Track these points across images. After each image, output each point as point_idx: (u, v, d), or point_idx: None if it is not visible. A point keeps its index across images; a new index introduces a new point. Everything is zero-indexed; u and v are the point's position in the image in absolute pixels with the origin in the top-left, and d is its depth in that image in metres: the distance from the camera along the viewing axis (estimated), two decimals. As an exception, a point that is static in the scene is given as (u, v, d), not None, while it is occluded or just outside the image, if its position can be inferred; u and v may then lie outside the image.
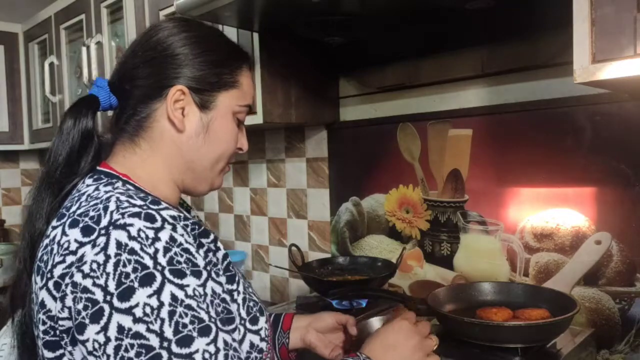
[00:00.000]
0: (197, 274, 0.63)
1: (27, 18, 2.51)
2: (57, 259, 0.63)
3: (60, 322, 0.62)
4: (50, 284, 0.63)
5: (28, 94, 2.60)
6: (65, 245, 0.63)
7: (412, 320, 0.85)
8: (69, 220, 0.66)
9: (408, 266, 1.52)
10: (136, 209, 0.64)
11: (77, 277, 0.60)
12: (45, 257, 0.66)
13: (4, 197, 2.89)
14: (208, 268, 0.66)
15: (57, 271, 0.63)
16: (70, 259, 0.62)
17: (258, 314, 0.76)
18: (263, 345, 0.75)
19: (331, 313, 1.03)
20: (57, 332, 0.63)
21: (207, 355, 0.59)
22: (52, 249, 0.65)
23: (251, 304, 0.76)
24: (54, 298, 0.63)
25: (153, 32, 0.79)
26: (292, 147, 1.85)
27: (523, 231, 1.28)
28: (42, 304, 0.64)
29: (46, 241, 0.68)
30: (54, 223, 0.68)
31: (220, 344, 0.61)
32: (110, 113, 0.85)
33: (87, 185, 0.72)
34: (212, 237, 0.71)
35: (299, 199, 1.84)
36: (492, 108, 1.33)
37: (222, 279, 0.70)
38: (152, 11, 1.72)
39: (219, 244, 0.73)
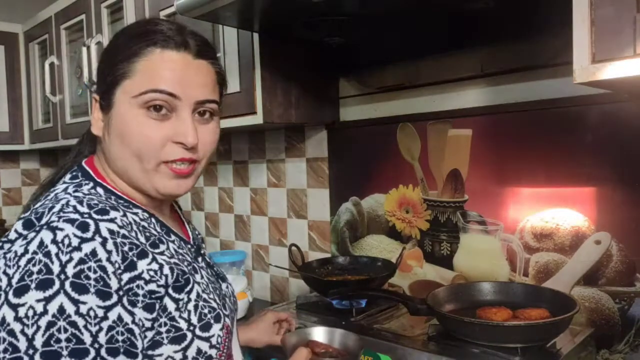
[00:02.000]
0: (102, 295, 0.61)
1: (28, 18, 2.51)
2: None
3: None
4: None
5: (28, 94, 2.60)
6: (8, 234, 0.66)
7: None
8: (28, 214, 0.68)
9: (408, 266, 1.52)
10: (75, 216, 0.64)
11: (1, 262, 0.63)
12: None
13: (4, 197, 2.90)
14: (121, 293, 0.63)
15: None
16: (6, 246, 0.64)
17: (212, 321, 0.74)
18: (213, 352, 0.73)
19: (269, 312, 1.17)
20: None
21: None
22: None
23: (206, 310, 0.74)
24: None
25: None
26: (292, 147, 1.85)
27: (523, 231, 1.29)
28: None
29: None
30: (21, 215, 0.71)
31: None
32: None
33: (63, 182, 0.75)
34: (150, 257, 0.68)
35: (299, 199, 1.84)
36: (492, 108, 1.33)
37: (137, 311, 0.66)
38: (152, 11, 1.73)
39: (162, 260, 0.70)
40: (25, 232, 0.64)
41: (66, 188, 0.73)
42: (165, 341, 0.69)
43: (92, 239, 0.63)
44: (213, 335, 0.74)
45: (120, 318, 0.63)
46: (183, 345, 0.70)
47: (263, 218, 1.99)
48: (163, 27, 0.76)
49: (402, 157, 1.52)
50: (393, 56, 1.51)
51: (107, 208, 0.69)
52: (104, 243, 0.63)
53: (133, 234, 0.69)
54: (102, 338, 0.61)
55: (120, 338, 0.63)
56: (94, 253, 0.62)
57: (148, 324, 0.67)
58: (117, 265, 0.64)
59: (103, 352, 0.61)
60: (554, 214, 1.23)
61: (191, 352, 0.71)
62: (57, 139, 2.39)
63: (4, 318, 0.59)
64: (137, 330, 0.65)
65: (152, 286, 0.68)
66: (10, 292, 0.60)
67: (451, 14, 1.24)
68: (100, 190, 0.75)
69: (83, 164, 0.79)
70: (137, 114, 0.73)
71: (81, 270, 0.61)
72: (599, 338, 1.15)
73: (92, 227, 0.64)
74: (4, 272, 0.61)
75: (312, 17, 1.21)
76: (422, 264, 1.50)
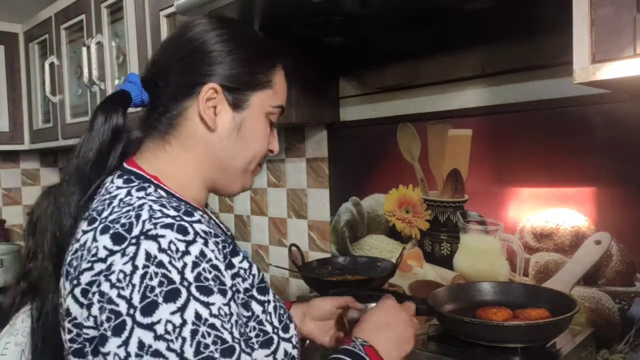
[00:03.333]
0: (223, 293, 0.62)
1: (28, 18, 2.51)
2: (85, 265, 0.62)
3: (85, 330, 0.61)
4: (77, 291, 0.62)
5: (28, 94, 2.60)
6: (94, 252, 0.62)
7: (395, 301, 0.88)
8: (101, 226, 0.64)
9: (408, 266, 1.52)
10: (169, 220, 0.62)
11: (105, 287, 0.59)
12: (74, 263, 0.65)
13: (4, 197, 2.89)
14: (234, 289, 0.65)
15: (85, 278, 0.61)
16: (99, 266, 0.61)
17: (288, 322, 0.74)
18: (295, 352, 0.73)
19: (327, 298, 1.01)
20: (82, 339, 0.62)
21: None
22: (81, 255, 0.64)
23: (282, 311, 0.74)
24: (81, 305, 0.62)
25: (187, 29, 0.78)
26: (292, 147, 1.85)
27: (523, 231, 1.29)
28: (68, 312, 0.63)
29: (76, 245, 0.66)
30: (85, 227, 0.67)
31: None
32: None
33: (118, 188, 0.70)
34: (241, 255, 0.70)
35: (299, 199, 1.84)
36: (492, 108, 1.33)
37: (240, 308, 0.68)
38: (152, 11, 1.73)
39: (250, 260, 0.71)
40: (118, 247, 0.60)
41: (129, 191, 0.69)
42: (256, 346, 0.69)
43: (194, 240, 0.62)
44: (292, 336, 0.74)
45: (238, 313, 0.64)
46: (272, 349, 0.70)
47: (263, 218, 1.99)
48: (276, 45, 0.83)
49: (402, 157, 1.52)
50: (393, 56, 1.51)
51: (189, 209, 0.67)
52: (206, 243, 0.62)
53: (217, 232, 0.69)
54: (237, 333, 0.62)
55: (242, 331, 0.64)
56: (202, 254, 0.61)
57: (265, 297, 0.70)
58: (222, 262, 0.64)
59: (243, 346, 0.62)
60: (554, 214, 1.23)
61: (280, 355, 0.71)
62: (57, 139, 2.38)
63: (141, 342, 0.57)
64: (248, 321, 0.68)
65: (246, 284, 0.69)
66: (137, 314, 0.57)
67: (451, 14, 1.24)
68: (161, 192, 0.71)
69: (127, 166, 0.75)
70: (264, 121, 0.79)
71: (199, 273, 0.60)
72: (599, 338, 1.15)
73: (190, 229, 0.62)
74: (119, 296, 0.58)
75: (312, 17, 1.21)
76: (422, 264, 1.50)
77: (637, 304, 1.12)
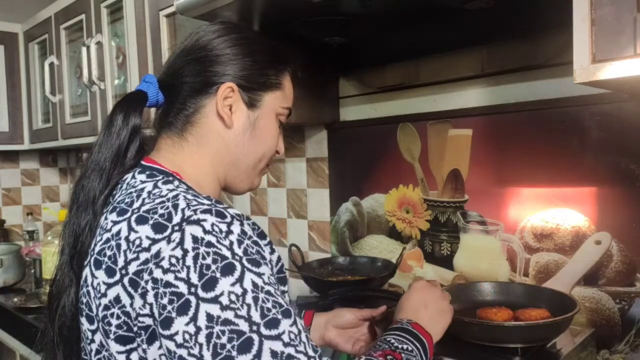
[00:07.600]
0: (267, 264, 0.66)
1: (27, 18, 2.51)
2: (130, 255, 0.64)
3: (140, 319, 0.63)
4: (126, 280, 0.64)
5: (28, 94, 2.60)
6: (137, 242, 0.64)
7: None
8: (134, 216, 0.67)
9: (408, 266, 1.52)
10: (206, 206, 0.65)
11: (157, 273, 0.61)
12: (108, 252, 0.67)
13: (4, 197, 2.89)
14: (272, 263, 0.69)
15: (132, 268, 0.64)
16: (144, 255, 0.63)
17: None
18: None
19: (351, 310, 1.05)
20: (135, 328, 0.64)
21: (292, 336, 0.62)
22: (118, 245, 0.66)
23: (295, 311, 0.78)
24: (130, 294, 0.64)
25: (203, 34, 0.82)
26: (292, 147, 1.85)
27: (523, 231, 1.28)
28: (117, 299, 0.65)
29: (106, 235, 0.68)
30: (114, 217, 0.69)
31: (300, 326, 0.64)
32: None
33: (142, 182, 0.73)
34: (267, 239, 0.72)
35: (299, 199, 1.84)
36: (492, 108, 1.33)
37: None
38: (152, 11, 1.72)
39: (273, 246, 0.74)
40: (161, 236, 0.63)
41: (155, 184, 0.72)
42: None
43: (232, 222, 0.65)
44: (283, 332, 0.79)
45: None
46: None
47: (263, 218, 1.99)
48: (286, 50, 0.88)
49: (402, 157, 1.52)
50: (393, 56, 1.51)
51: (218, 200, 0.71)
52: (242, 224, 0.66)
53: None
54: (283, 295, 0.66)
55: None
56: (243, 232, 0.65)
57: (285, 288, 0.73)
58: (259, 239, 0.68)
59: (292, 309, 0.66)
60: (554, 214, 1.23)
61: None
62: (56, 138, 2.38)
63: (209, 315, 0.59)
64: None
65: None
66: (200, 291, 0.60)
67: (451, 14, 1.24)
68: (183, 186, 0.74)
69: (145, 163, 0.77)
70: (275, 121, 0.84)
71: (245, 248, 0.64)
72: (599, 338, 1.15)
73: (226, 213, 0.66)
74: (177, 278, 0.60)
75: (312, 17, 1.21)
76: (422, 264, 1.50)
77: (638, 304, 1.12)
